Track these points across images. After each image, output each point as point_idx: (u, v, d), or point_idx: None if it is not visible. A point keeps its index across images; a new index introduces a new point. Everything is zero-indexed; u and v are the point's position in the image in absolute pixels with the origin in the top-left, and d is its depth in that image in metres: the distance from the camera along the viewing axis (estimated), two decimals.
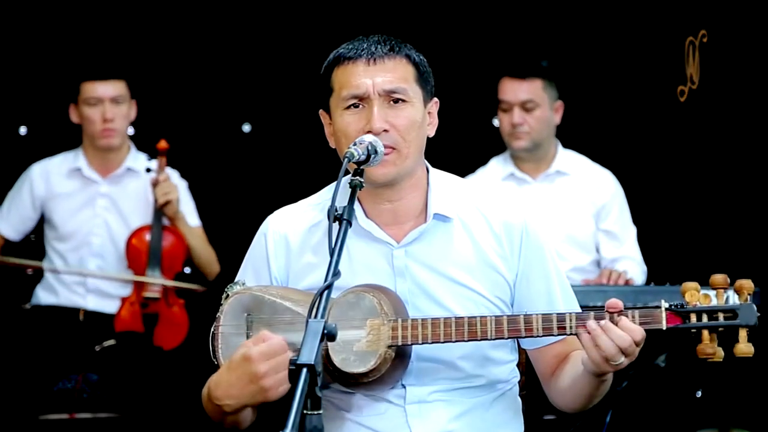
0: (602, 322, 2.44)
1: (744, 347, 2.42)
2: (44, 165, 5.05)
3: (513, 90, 4.72)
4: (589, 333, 2.43)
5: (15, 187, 5.05)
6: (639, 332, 2.43)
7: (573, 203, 4.79)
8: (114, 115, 4.89)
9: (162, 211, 4.90)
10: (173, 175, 5.02)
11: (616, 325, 2.43)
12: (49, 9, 5.64)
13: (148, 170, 4.92)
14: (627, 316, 2.44)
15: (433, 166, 2.71)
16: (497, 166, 4.90)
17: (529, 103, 4.70)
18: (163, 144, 4.92)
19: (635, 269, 4.69)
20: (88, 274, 4.94)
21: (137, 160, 5.04)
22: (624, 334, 2.42)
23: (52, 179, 5.01)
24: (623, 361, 2.44)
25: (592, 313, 2.46)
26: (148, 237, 4.91)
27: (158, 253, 4.89)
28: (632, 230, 4.81)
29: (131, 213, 4.99)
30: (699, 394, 4.78)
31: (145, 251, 4.90)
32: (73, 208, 4.99)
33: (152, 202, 4.93)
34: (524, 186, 4.82)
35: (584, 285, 4.54)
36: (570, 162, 4.84)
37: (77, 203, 5.00)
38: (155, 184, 4.89)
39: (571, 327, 2.47)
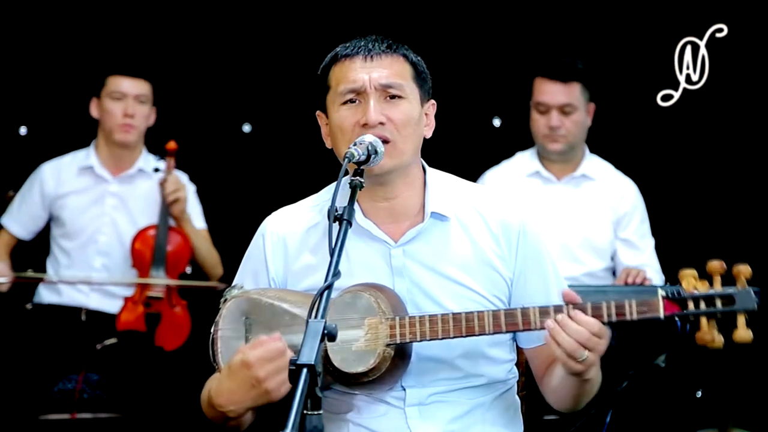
0: (558, 317, 2.43)
1: (743, 333, 2.39)
2: (55, 164, 5.05)
3: (552, 93, 4.69)
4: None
5: (25, 187, 5.04)
6: (595, 324, 2.42)
7: (594, 208, 4.78)
8: (135, 112, 4.92)
9: (169, 209, 4.91)
10: (183, 177, 5.04)
11: (573, 320, 2.42)
12: (56, 9, 5.65)
13: (157, 170, 4.94)
14: (584, 311, 2.43)
15: (434, 166, 2.71)
16: (524, 161, 4.88)
17: (567, 106, 4.68)
18: (172, 145, 4.95)
19: (655, 277, 4.69)
20: (92, 281, 4.94)
21: (148, 161, 5.05)
22: (580, 328, 2.41)
23: (63, 177, 5.01)
24: (588, 355, 2.42)
25: (589, 303, 2.45)
26: (154, 236, 4.92)
27: (163, 253, 4.90)
28: (651, 241, 4.81)
29: (140, 213, 5.00)
30: (699, 394, 4.79)
31: (150, 250, 4.91)
32: (83, 205, 5.00)
33: (160, 203, 4.94)
34: (549, 185, 4.81)
35: (584, 286, 4.54)
36: (596, 167, 4.84)
37: (86, 201, 5.00)
38: (163, 183, 4.91)
39: None
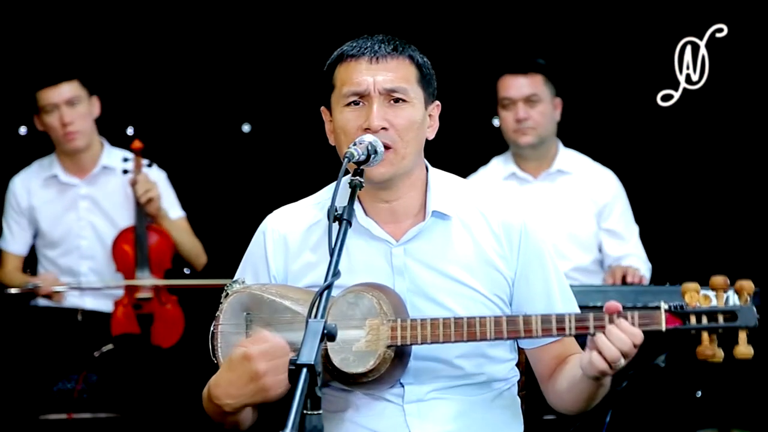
0: (608, 326, 2.42)
1: (743, 349, 2.40)
2: (24, 176, 5.07)
3: (516, 85, 4.72)
4: (604, 334, 2.42)
5: (5, 206, 5.07)
6: (639, 336, 2.42)
7: (575, 202, 4.78)
8: (72, 117, 4.88)
9: (144, 209, 4.90)
10: (152, 171, 5.01)
11: (618, 327, 2.42)
12: (55, 9, 5.64)
13: (125, 172, 4.92)
14: (626, 318, 2.44)
15: (434, 166, 2.71)
16: (499, 166, 4.89)
17: (533, 96, 4.70)
18: (137, 144, 4.93)
19: (641, 266, 4.68)
20: (83, 287, 4.94)
21: (112, 156, 5.03)
22: (623, 336, 2.42)
23: (32, 188, 5.03)
24: (622, 362, 2.43)
25: (591, 314, 2.45)
26: (133, 239, 4.91)
27: (145, 253, 4.90)
28: (635, 228, 4.81)
29: (115, 211, 5.00)
30: (699, 394, 4.78)
31: (132, 253, 4.90)
32: (57, 214, 5.00)
33: (134, 201, 4.92)
34: (526, 185, 4.81)
35: (584, 285, 4.53)
36: (571, 161, 4.84)
37: (60, 209, 5.01)
38: (134, 184, 4.89)
39: (570, 328, 2.46)
